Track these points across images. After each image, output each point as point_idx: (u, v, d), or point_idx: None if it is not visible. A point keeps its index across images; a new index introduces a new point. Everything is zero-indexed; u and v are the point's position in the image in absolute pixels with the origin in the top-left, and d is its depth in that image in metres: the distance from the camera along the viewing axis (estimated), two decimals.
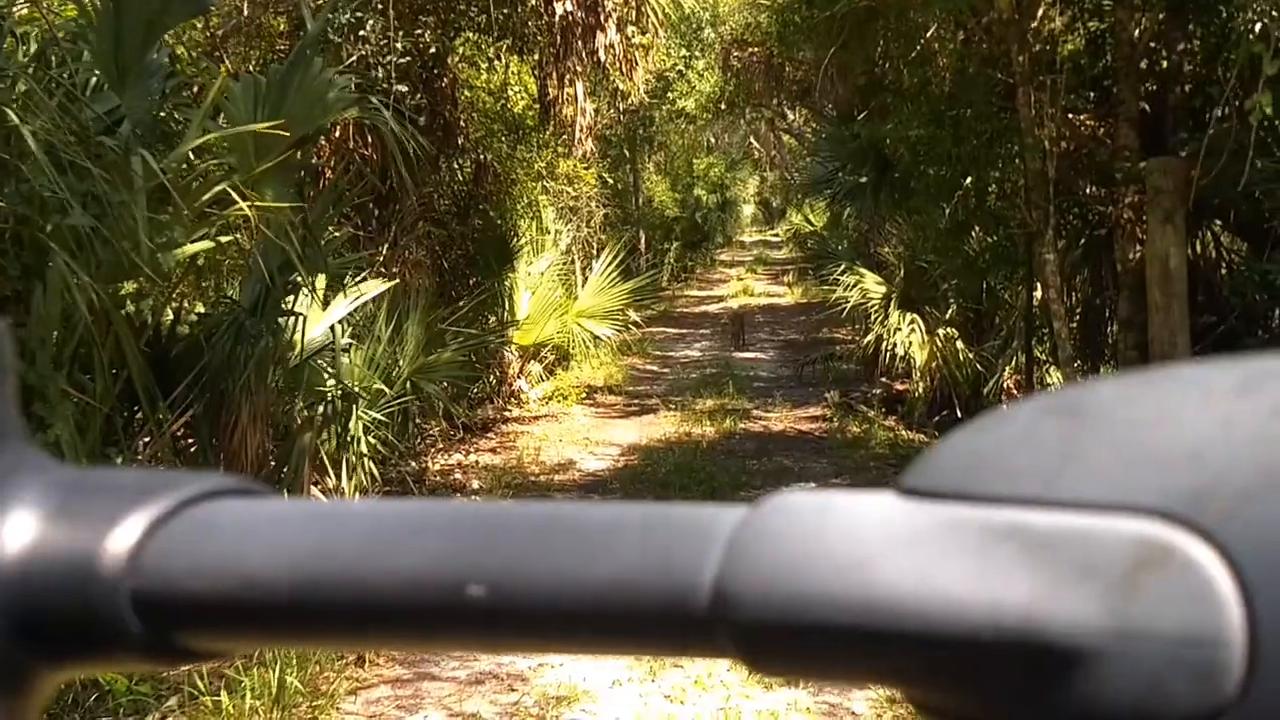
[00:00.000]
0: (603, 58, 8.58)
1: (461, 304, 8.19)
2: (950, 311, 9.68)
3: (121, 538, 0.24)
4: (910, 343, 9.58)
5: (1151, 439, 0.20)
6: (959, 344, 9.38)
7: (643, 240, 17.81)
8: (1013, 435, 0.21)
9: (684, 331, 16.13)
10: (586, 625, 0.22)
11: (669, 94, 16.83)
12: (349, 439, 5.74)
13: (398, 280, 6.88)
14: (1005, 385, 8.70)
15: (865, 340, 10.28)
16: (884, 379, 10.17)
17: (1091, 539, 0.20)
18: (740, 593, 0.21)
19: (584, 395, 10.60)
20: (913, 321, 9.63)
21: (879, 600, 0.20)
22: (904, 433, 8.84)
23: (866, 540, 0.21)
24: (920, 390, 9.42)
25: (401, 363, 6.62)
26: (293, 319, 5.41)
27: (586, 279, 10.58)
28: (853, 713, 3.96)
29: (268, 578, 0.23)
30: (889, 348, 9.72)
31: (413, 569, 0.23)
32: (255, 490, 0.26)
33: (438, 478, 7.47)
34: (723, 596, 0.21)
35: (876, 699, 3.96)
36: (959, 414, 8.79)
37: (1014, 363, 8.67)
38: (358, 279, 6.09)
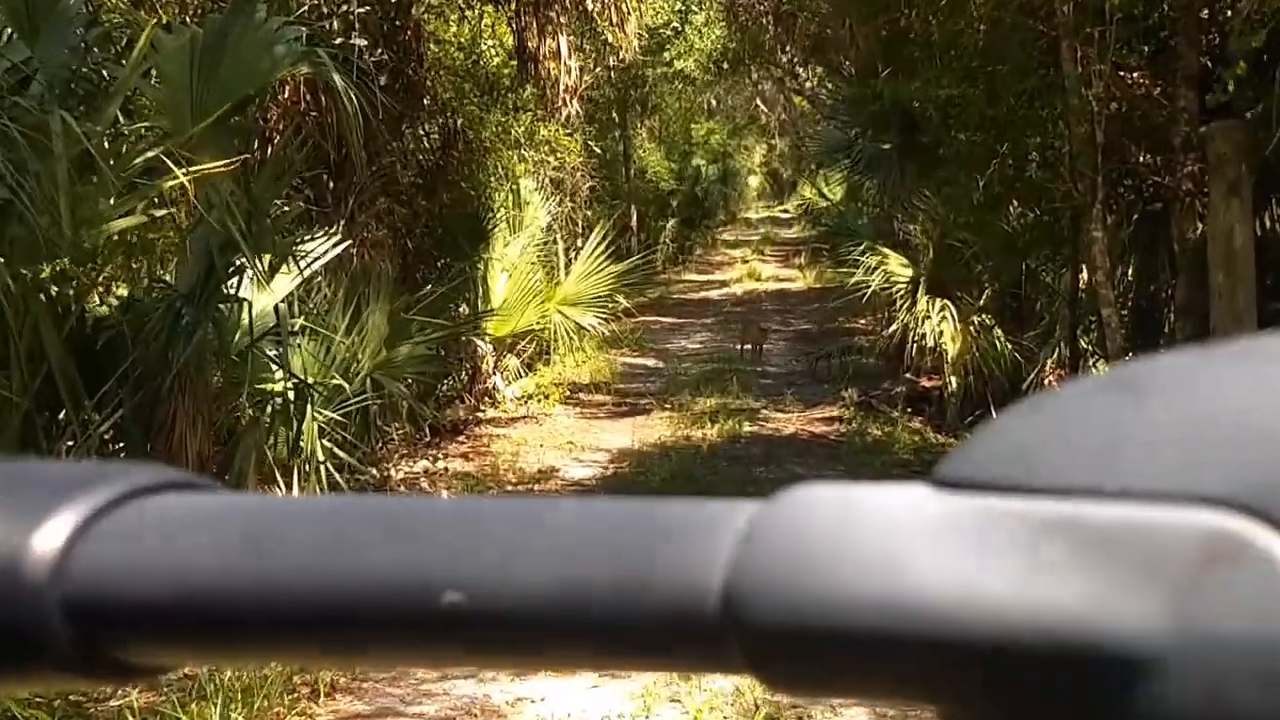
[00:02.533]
0: (589, 6, 8.54)
1: (428, 289, 8.21)
2: (985, 296, 9.59)
3: (48, 537, 0.23)
4: (940, 332, 9.49)
5: (1218, 419, 0.20)
6: (996, 333, 9.31)
7: (635, 217, 17.73)
8: (1062, 418, 0.21)
9: (682, 321, 16.08)
10: (580, 635, 0.22)
11: (664, 52, 16.84)
12: (301, 442, 5.73)
13: (350, 244, 6.82)
14: (1048, 380, 8.70)
15: (889, 330, 10.17)
16: (910, 374, 10.10)
17: (1151, 533, 0.19)
18: (753, 595, 0.21)
19: (567, 394, 10.55)
20: (943, 308, 9.54)
21: (910, 603, 0.20)
22: (932, 436, 8.97)
23: (896, 536, 0.21)
24: (952, 387, 9.35)
25: (360, 356, 6.63)
26: (236, 305, 5.36)
27: (570, 261, 10.50)
28: None
29: (214, 582, 0.23)
30: (916, 339, 9.63)
31: (381, 572, 0.22)
32: (200, 484, 0.25)
33: (401, 487, 7.49)
34: (734, 599, 0.21)
35: None
36: (995, 413, 8.68)
37: (1057, 355, 8.68)
38: (307, 249, 6.02)
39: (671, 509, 0.23)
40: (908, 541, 0.21)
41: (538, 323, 9.80)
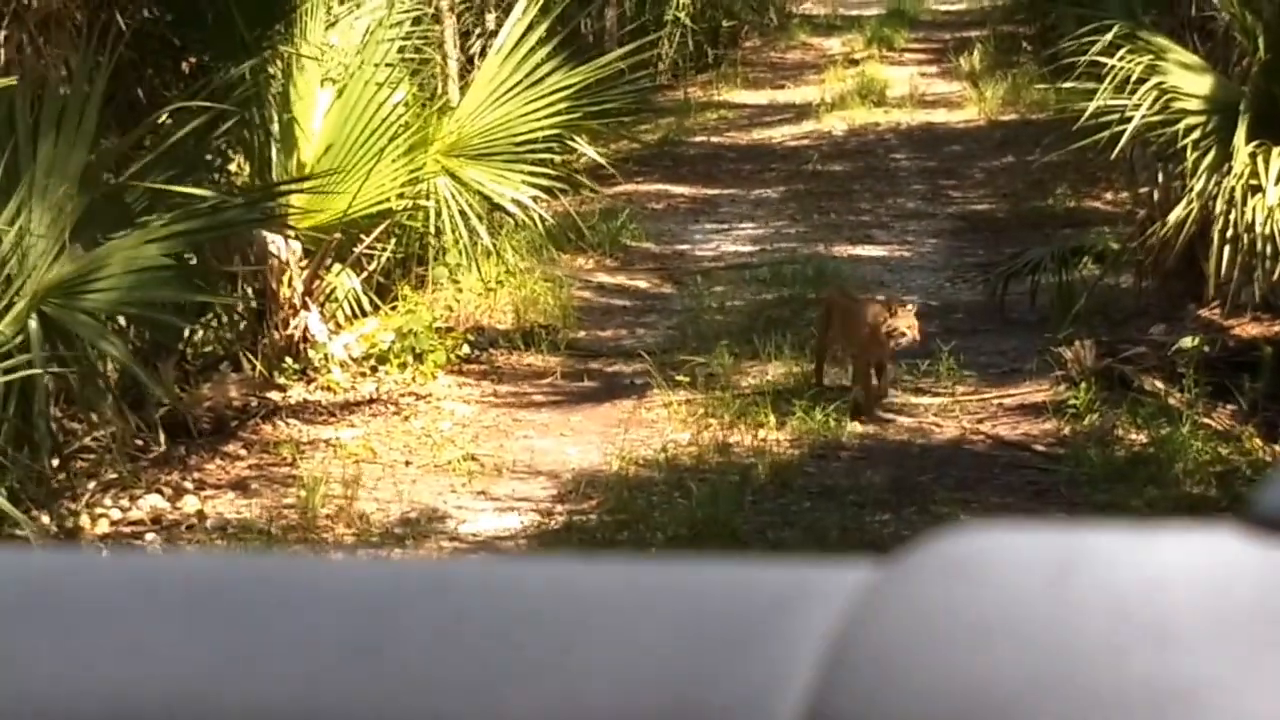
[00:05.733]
0: None
1: (166, 124, 6.40)
2: None
3: None
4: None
5: None
6: None
7: None
8: None
9: (714, 194, 11.77)
10: None
11: None
12: None
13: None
14: None
15: (1166, 219, 7.28)
16: (1210, 310, 7.36)
17: None
18: None
19: (464, 352, 7.52)
20: None
21: None
22: (1260, 445, 6.23)
23: (1169, 633, 0.13)
24: None
25: (18, 266, 5.45)
26: None
27: (471, 64, 8.66)
28: None
29: None
30: (1228, 230, 6.86)
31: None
32: None
33: (105, 549, 5.91)
34: None
35: None
36: None
37: None
38: None
39: (719, 576, 0.16)
40: (1193, 646, 0.12)
41: (400, 197, 7.28)
